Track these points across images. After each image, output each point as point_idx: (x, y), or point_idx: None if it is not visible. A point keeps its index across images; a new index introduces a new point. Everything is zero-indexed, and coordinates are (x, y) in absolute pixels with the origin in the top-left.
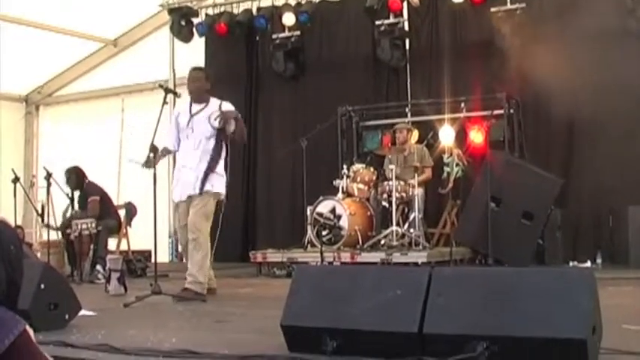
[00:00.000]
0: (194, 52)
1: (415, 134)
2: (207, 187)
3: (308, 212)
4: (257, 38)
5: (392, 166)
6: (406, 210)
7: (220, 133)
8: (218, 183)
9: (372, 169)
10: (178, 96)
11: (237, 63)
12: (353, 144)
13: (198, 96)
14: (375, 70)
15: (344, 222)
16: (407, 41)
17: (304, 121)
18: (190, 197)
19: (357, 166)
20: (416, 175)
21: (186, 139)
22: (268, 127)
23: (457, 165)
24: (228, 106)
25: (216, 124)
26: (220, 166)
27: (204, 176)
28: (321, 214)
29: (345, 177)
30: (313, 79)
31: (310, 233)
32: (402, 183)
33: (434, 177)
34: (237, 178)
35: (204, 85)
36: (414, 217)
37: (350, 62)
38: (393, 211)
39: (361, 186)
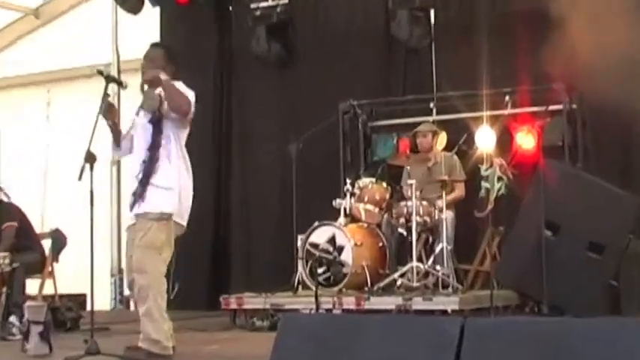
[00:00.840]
0: (145, 28)
1: (443, 138)
2: (145, 206)
3: (299, 243)
4: (230, 8)
5: (411, 181)
6: (431, 239)
7: (158, 124)
8: (160, 199)
9: (384, 184)
10: (124, 87)
11: (204, 42)
12: (359, 151)
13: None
14: (389, 52)
15: (347, 256)
16: (432, 13)
17: (294, 121)
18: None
19: (365, 181)
20: (444, 192)
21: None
22: (246, 129)
23: (499, 179)
24: (179, 86)
25: (149, 105)
26: (162, 175)
27: (140, 191)
28: (316, 246)
29: (348, 195)
30: (306, 64)
31: (302, 271)
32: (424, 203)
33: (468, 195)
34: (204, 195)
35: (164, 67)
36: (442, 249)
37: (355, 42)
38: (412, 241)
39: (370, 207)
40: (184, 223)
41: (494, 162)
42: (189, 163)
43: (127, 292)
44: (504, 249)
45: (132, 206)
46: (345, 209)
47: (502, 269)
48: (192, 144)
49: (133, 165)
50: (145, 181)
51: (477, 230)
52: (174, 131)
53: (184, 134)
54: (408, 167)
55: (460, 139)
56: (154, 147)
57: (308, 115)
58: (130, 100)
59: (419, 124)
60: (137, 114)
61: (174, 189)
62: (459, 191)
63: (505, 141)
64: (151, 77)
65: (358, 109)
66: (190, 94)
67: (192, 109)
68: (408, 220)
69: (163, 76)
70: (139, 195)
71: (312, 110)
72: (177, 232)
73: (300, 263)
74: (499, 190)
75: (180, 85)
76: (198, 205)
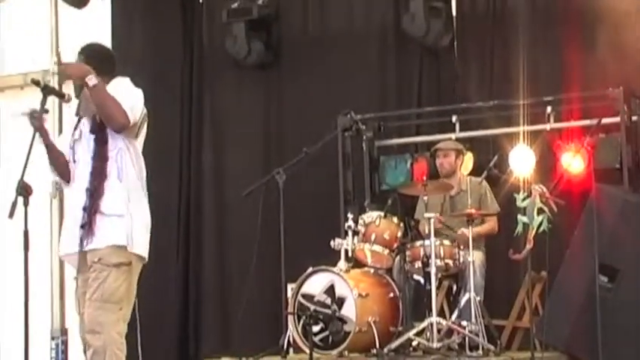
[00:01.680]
0: (92, 25)
1: (469, 160)
2: (95, 242)
3: (289, 293)
4: (200, 0)
5: (430, 215)
6: (455, 288)
7: (101, 132)
8: (111, 229)
9: (395, 219)
10: (66, 100)
11: (167, 41)
12: (364, 178)
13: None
14: (400, 52)
15: (349, 310)
16: (453, 3)
17: (281, 141)
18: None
19: (372, 216)
20: (470, 228)
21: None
22: (220, 149)
23: (540, 212)
24: (118, 84)
25: (86, 110)
26: (111, 199)
27: (87, 221)
28: (310, 297)
29: (350, 233)
30: (295, 69)
31: (293, 329)
32: (446, 243)
33: (501, 232)
34: (166, 235)
35: (98, 69)
36: (469, 301)
37: (357, 41)
38: (432, 291)
39: (378, 248)
40: (145, 255)
41: (534, 190)
42: (145, 182)
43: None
44: (548, 300)
45: (79, 244)
46: (346, 251)
47: (546, 326)
48: (152, 167)
49: (75, 194)
50: (91, 209)
51: (513, 276)
52: (125, 141)
53: (138, 142)
54: (425, 197)
55: (490, 161)
56: (99, 161)
57: (298, 133)
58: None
59: (439, 142)
60: (75, 127)
61: (125, 215)
62: (491, 226)
63: (547, 163)
64: (70, 72)
65: (362, 124)
66: (135, 95)
67: (136, 116)
68: (426, 265)
69: (93, 80)
70: (87, 228)
71: (303, 127)
72: (137, 269)
73: (290, 320)
74: (540, 225)
75: (121, 84)
76: (159, 247)
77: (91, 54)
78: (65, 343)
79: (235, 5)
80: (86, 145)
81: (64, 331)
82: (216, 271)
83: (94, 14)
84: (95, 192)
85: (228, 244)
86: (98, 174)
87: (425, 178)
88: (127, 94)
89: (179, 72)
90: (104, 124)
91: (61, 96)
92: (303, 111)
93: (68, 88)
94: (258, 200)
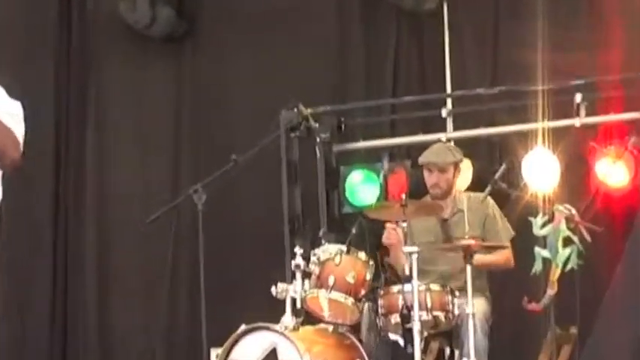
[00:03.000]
0: None
1: (466, 170)
2: None
3: None
4: None
5: (411, 249)
6: (448, 351)
7: None
8: None
9: (362, 255)
10: None
11: (39, 8)
12: (317, 196)
13: None
14: (369, 20)
15: None
16: None
17: (198, 142)
18: None
19: (329, 250)
20: (468, 267)
21: None
22: (109, 155)
23: (568, 242)
24: None
25: None
26: None
27: None
28: None
29: (299, 275)
30: (219, 42)
31: None
32: (435, 287)
33: (513, 270)
34: (38, 280)
35: None
36: None
37: (308, 4)
38: (416, 356)
39: (339, 296)
40: None
41: (558, 212)
42: None
43: None
44: None
45: None
46: (293, 301)
47: None
48: (16, 186)
49: None
50: None
51: (529, 335)
52: None
53: None
54: (405, 224)
55: (496, 171)
56: None
57: (224, 133)
58: None
59: (425, 146)
60: None
61: None
62: (503, 257)
63: (576, 174)
64: None
65: (314, 121)
66: (20, 114)
67: (21, 143)
68: (407, 319)
69: None
70: None
71: (230, 124)
72: None
73: None
74: (567, 261)
75: None
76: (27, 299)
77: None
78: None
79: None
80: None
81: None
82: (101, 332)
83: None
84: None
85: (119, 296)
86: None
87: (404, 196)
88: (13, 114)
89: (55, 51)
90: None
91: None
92: (230, 102)
93: None
94: (167, 230)
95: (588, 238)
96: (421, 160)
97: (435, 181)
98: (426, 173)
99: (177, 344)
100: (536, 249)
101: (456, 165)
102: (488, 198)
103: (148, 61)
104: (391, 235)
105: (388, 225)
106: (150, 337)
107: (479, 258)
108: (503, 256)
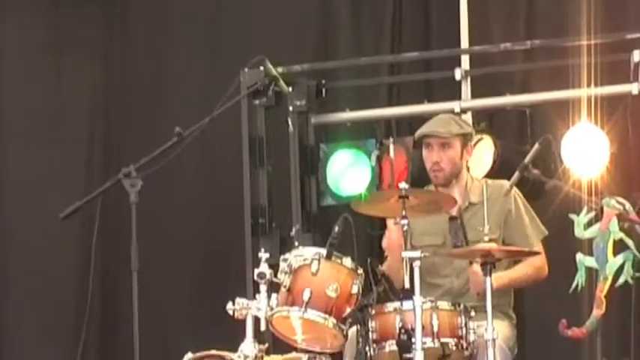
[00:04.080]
0: None
1: (486, 149)
2: None
3: None
4: None
5: (413, 254)
6: None
7: None
8: None
9: (348, 261)
10: None
11: None
12: (290, 183)
13: None
14: None
15: None
16: None
17: (127, 110)
18: None
19: (304, 254)
20: (487, 279)
21: None
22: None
23: (621, 246)
24: None
25: None
26: None
27: None
28: None
29: (264, 287)
30: None
31: None
32: (444, 306)
33: (548, 283)
34: None
35: None
36: None
37: None
38: None
39: (316, 317)
40: None
41: (608, 208)
42: None
43: None
44: None
45: None
46: (256, 321)
47: None
48: None
49: None
50: None
51: None
52: None
53: None
54: (405, 220)
55: (527, 153)
56: None
57: (164, 97)
58: None
59: (428, 117)
60: None
61: None
62: (532, 268)
63: (633, 156)
64: None
65: (286, 84)
66: None
67: None
68: (406, 347)
69: None
70: None
71: (172, 87)
72: None
73: None
74: (619, 272)
75: None
76: None
77: None
78: None
79: None
80: None
81: None
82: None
83: None
84: None
85: (20, 306)
86: None
87: (405, 183)
88: None
89: None
90: None
91: None
92: (170, 56)
93: None
94: (87, 227)
95: None
96: (418, 133)
97: (435, 159)
98: (424, 151)
99: None
100: (579, 256)
101: (465, 140)
102: (514, 189)
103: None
104: (393, 236)
105: (390, 222)
106: None
107: (499, 278)
108: (533, 266)
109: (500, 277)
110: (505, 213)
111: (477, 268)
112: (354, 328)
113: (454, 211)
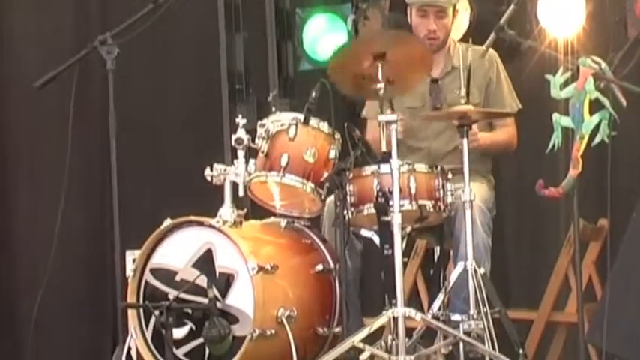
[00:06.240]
0: None
1: (463, 11)
2: None
3: (129, 267)
4: None
5: (389, 117)
6: (438, 252)
7: None
8: None
9: (325, 126)
10: None
11: None
12: (266, 46)
13: None
14: None
15: (242, 296)
16: None
17: None
18: None
19: (281, 119)
20: (464, 141)
21: None
22: None
23: (597, 105)
24: None
25: None
26: None
27: None
28: (168, 274)
29: (242, 153)
30: None
31: (137, 336)
32: (422, 168)
33: (525, 144)
34: None
35: None
36: (464, 275)
37: None
38: (396, 258)
39: (295, 181)
40: None
41: (584, 67)
42: None
43: None
44: (612, 273)
45: None
46: (234, 187)
47: (607, 320)
48: None
49: None
50: None
51: (544, 230)
52: None
53: None
54: (380, 85)
55: (502, 12)
56: None
57: None
58: None
59: None
60: None
61: None
62: (507, 135)
63: (610, 14)
64: None
65: None
66: None
67: None
68: (384, 210)
69: None
70: None
71: None
72: None
73: (131, 317)
74: (595, 130)
75: None
76: None
77: None
78: None
79: None
80: None
81: None
82: None
83: None
84: None
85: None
86: None
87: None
88: None
89: None
90: None
91: None
92: None
93: None
94: (62, 98)
95: (624, 101)
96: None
97: (431, 27)
98: (416, 18)
99: (84, 247)
100: (555, 116)
101: (454, 7)
102: (491, 51)
103: None
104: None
105: (371, 122)
106: (39, 236)
107: (483, 137)
108: (508, 134)
109: (484, 137)
110: (487, 80)
111: (475, 128)
112: (332, 197)
113: (436, 74)
